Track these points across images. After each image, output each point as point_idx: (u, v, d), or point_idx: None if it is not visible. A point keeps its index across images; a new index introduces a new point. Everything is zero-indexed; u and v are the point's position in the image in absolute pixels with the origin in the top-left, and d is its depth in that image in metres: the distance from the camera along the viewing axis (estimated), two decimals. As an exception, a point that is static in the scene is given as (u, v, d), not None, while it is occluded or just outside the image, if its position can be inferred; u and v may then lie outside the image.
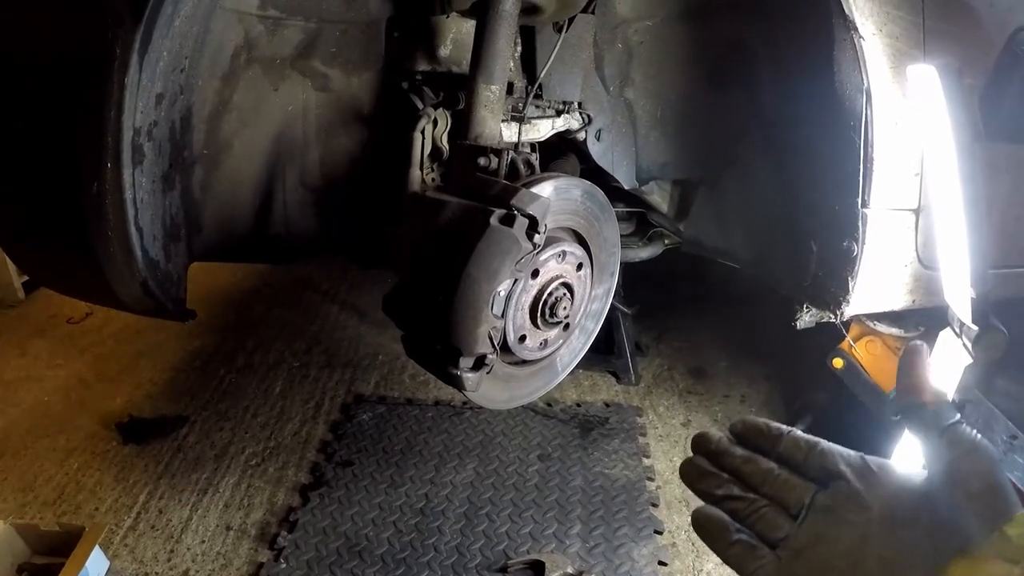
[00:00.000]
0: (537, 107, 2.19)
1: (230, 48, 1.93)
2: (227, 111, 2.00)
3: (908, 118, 1.82)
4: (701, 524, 0.81)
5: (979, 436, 0.65)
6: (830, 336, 2.54)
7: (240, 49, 1.96)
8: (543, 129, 2.19)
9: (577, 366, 2.08)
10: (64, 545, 2.25)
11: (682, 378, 3.50)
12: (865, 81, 1.76)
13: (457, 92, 2.05)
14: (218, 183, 2.05)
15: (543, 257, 1.66)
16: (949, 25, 1.93)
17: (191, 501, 2.70)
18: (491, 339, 1.58)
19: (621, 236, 2.43)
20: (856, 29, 1.74)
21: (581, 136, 2.31)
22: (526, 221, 1.50)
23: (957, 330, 1.93)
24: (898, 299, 2.04)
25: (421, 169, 2.00)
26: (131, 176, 1.59)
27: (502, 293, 1.56)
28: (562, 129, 2.25)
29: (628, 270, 3.29)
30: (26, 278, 4.35)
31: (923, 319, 2.37)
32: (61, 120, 1.58)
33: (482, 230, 1.50)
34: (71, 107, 1.55)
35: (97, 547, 2.25)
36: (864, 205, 1.83)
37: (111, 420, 3.15)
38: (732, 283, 3.71)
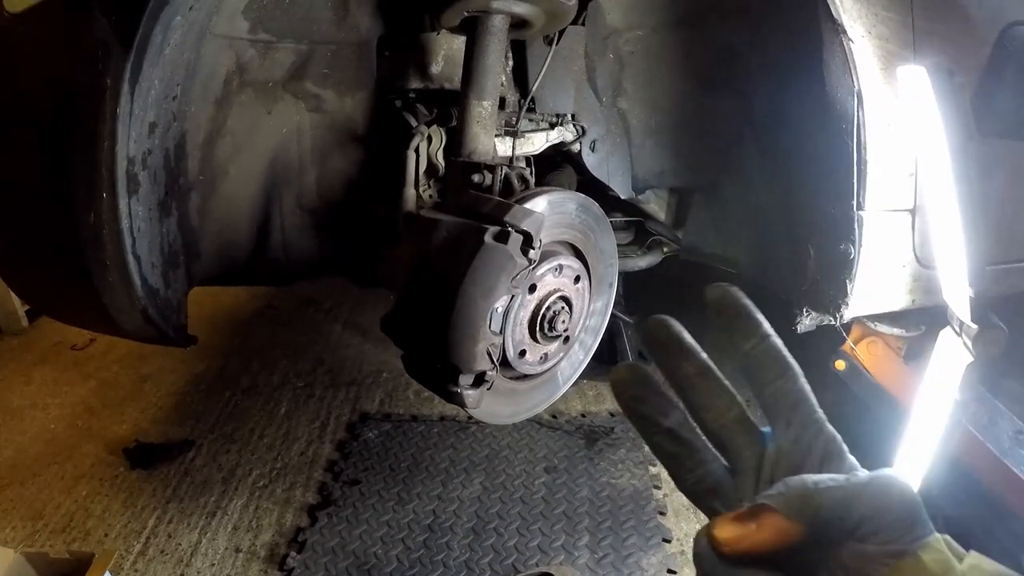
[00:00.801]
0: (530, 120, 2.20)
1: (222, 73, 1.95)
2: (221, 136, 2.01)
3: (900, 119, 1.83)
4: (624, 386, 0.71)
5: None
6: (832, 338, 2.54)
7: (232, 74, 1.97)
8: (537, 142, 2.19)
9: (581, 376, 2.08)
10: (74, 572, 2.25)
11: (686, 385, 3.48)
12: (856, 84, 1.76)
13: (450, 109, 2.06)
14: (215, 209, 2.06)
15: (540, 272, 1.66)
16: (939, 24, 1.93)
17: (200, 524, 2.70)
18: (490, 356, 1.58)
19: (619, 246, 2.44)
20: (845, 32, 1.74)
21: (576, 148, 2.31)
22: (521, 237, 1.50)
23: (957, 329, 1.93)
24: (897, 300, 2.04)
25: (416, 188, 2.00)
26: (127, 205, 1.60)
27: (499, 309, 1.57)
28: (556, 142, 2.25)
29: (628, 279, 3.29)
30: (29, 307, 4.36)
31: (923, 319, 2.36)
32: (56, 151, 1.58)
33: (477, 248, 1.50)
34: (65, 138, 1.56)
35: (107, 573, 2.24)
36: (859, 207, 1.83)
37: (118, 446, 3.15)
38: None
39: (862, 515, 0.56)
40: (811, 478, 0.59)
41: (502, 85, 2.02)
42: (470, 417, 3.10)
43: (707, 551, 0.59)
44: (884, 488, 0.58)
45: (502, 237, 1.50)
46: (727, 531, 0.58)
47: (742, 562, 0.58)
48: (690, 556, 2.13)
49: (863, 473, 0.60)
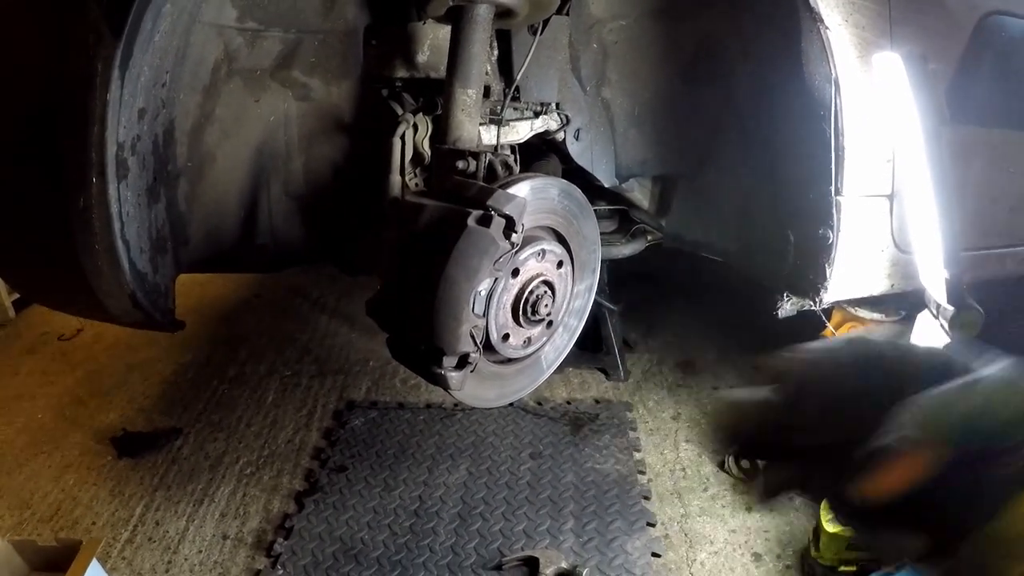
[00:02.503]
0: (515, 109, 2.22)
1: (210, 61, 1.96)
2: (209, 123, 2.03)
3: (877, 106, 1.86)
4: None
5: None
6: (813, 324, 2.58)
7: (220, 62, 1.99)
8: (522, 131, 2.22)
9: (566, 363, 2.10)
10: (62, 560, 2.25)
11: (671, 372, 3.52)
12: (833, 71, 1.79)
13: (436, 97, 2.08)
14: (203, 195, 2.08)
15: (522, 256, 1.69)
16: (916, 13, 1.96)
17: (187, 512, 2.71)
18: (473, 338, 1.61)
19: (603, 234, 2.47)
20: (822, 20, 1.77)
21: (560, 136, 2.34)
22: (503, 221, 1.53)
23: (934, 311, 1.97)
24: (876, 284, 2.07)
25: (402, 175, 2.02)
26: (116, 190, 1.61)
27: (482, 292, 1.59)
28: (541, 130, 2.28)
29: (613, 267, 3.32)
30: (16, 297, 4.35)
31: (903, 303, 2.40)
32: (46, 136, 1.59)
33: (460, 231, 1.53)
34: (55, 123, 1.57)
35: (95, 561, 2.25)
36: (837, 193, 1.87)
37: (105, 435, 3.16)
38: (715, 276, 3.76)
39: (1005, 420, 0.54)
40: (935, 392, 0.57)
41: (487, 74, 2.04)
42: (456, 404, 3.14)
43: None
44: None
45: (485, 220, 1.53)
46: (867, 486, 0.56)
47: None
48: (674, 540, 2.17)
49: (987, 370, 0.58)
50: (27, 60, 1.62)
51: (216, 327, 4.17)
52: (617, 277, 3.49)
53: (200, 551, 2.53)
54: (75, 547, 2.26)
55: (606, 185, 2.48)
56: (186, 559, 2.51)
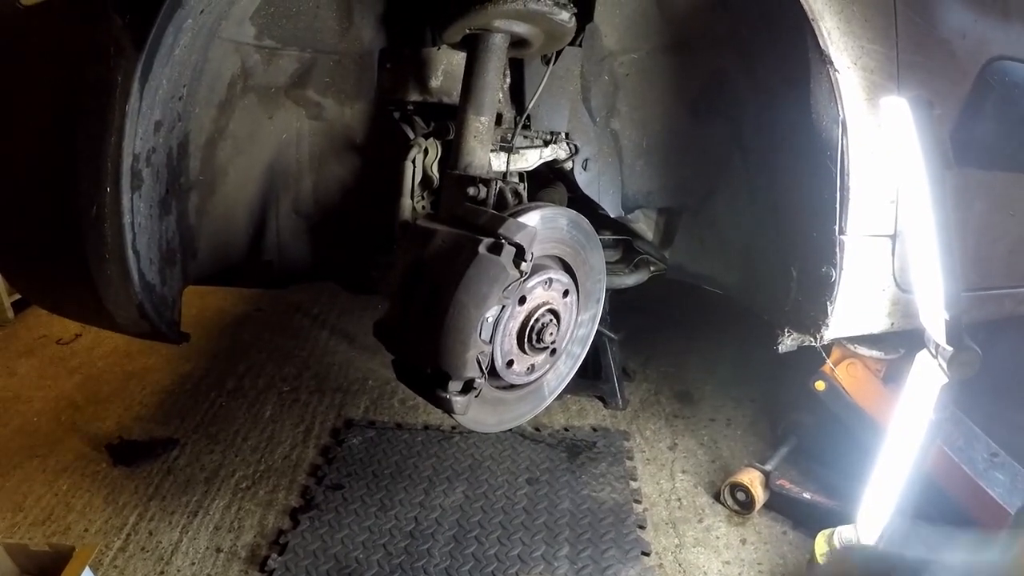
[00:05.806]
0: (525, 137, 2.24)
1: (227, 77, 1.98)
2: (223, 139, 2.05)
3: (883, 148, 1.88)
4: None
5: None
6: (813, 359, 2.59)
7: (236, 78, 2.01)
8: (531, 159, 2.24)
9: (565, 391, 2.11)
10: (53, 566, 2.24)
11: (669, 402, 3.53)
12: (841, 113, 1.81)
13: (447, 122, 2.10)
14: (213, 209, 2.09)
15: (530, 284, 1.70)
16: (923, 57, 1.99)
17: (181, 523, 2.71)
18: (479, 364, 1.62)
19: (607, 263, 2.48)
20: (832, 63, 1.80)
21: (568, 166, 2.36)
22: (513, 249, 1.55)
23: (933, 351, 1.98)
24: (877, 322, 2.09)
25: (412, 198, 2.04)
26: (129, 201, 1.63)
27: (490, 319, 1.61)
28: (549, 159, 2.30)
29: (615, 297, 3.34)
30: (16, 298, 4.36)
31: (902, 342, 2.42)
32: (63, 144, 1.62)
33: (471, 258, 1.55)
34: (73, 132, 1.60)
35: (87, 568, 2.24)
36: (841, 232, 1.89)
37: (101, 441, 3.16)
38: (716, 309, 3.77)
39: None
40: None
41: (499, 102, 2.06)
42: (454, 427, 3.14)
43: None
44: None
45: (496, 248, 1.54)
46: None
47: None
48: (668, 570, 2.19)
49: None
50: (49, 67, 1.64)
51: (216, 339, 4.17)
52: (618, 306, 3.50)
53: (193, 563, 2.53)
54: (67, 553, 2.25)
55: (612, 215, 2.50)
56: (179, 571, 2.50)
